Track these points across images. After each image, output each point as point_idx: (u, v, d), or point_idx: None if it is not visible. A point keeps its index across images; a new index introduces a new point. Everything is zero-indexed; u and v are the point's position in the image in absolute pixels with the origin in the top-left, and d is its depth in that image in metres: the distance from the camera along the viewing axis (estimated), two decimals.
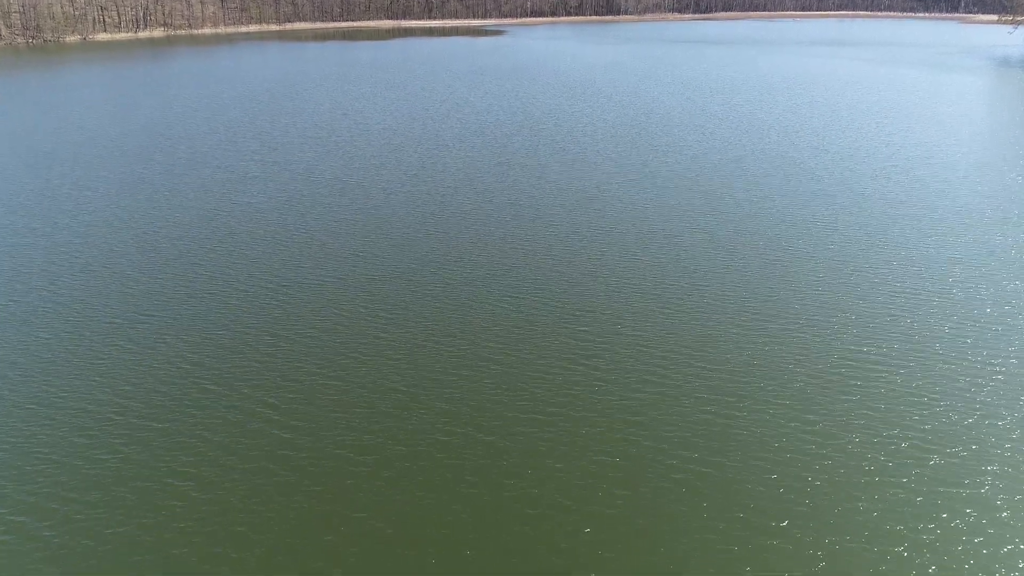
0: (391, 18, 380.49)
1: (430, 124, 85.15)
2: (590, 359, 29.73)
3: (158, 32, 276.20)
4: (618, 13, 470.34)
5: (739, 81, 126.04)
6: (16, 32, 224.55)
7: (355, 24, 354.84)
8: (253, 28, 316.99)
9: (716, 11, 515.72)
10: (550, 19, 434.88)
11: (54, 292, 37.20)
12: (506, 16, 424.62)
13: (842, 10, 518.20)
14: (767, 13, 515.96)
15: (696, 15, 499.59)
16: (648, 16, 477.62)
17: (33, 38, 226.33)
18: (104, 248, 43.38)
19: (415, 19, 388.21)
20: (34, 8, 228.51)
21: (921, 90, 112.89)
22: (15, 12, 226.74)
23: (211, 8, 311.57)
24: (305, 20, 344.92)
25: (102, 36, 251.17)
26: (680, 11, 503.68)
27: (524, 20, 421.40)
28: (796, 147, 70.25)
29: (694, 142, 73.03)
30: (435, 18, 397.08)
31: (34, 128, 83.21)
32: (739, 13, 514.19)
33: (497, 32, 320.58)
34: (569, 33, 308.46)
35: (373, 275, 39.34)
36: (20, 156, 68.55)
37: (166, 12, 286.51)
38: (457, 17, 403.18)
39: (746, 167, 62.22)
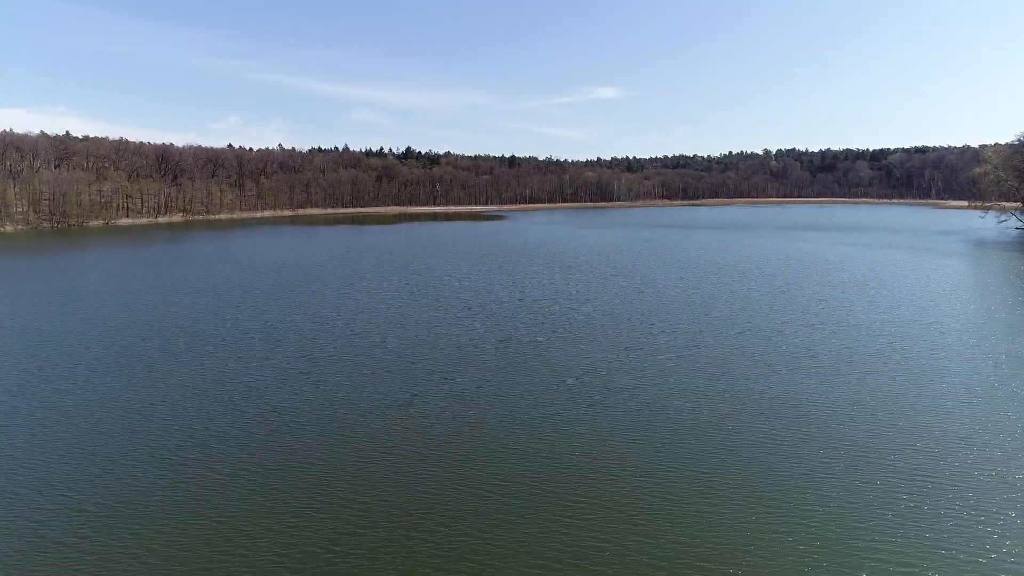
0: (398, 204, 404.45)
1: (431, 302, 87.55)
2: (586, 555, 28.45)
3: (177, 217, 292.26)
4: (611, 200, 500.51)
5: (730, 262, 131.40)
6: (43, 218, 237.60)
7: (363, 210, 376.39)
8: (267, 213, 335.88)
9: (704, 198, 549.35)
10: (547, 205, 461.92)
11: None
12: (506, 202, 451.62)
13: (822, 197, 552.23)
14: (752, 200, 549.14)
15: (685, 201, 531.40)
16: (640, 202, 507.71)
17: (58, 223, 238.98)
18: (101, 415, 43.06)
19: (420, 205, 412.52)
20: (63, 196, 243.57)
21: (907, 270, 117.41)
22: (45, 200, 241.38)
23: (229, 196, 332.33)
24: (317, 206, 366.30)
25: (124, 221, 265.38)
26: (670, 198, 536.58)
27: (523, 206, 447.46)
28: (792, 324, 71.78)
29: (690, 320, 74.69)
30: (439, 204, 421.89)
31: (35, 307, 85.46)
32: (725, 200, 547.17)
33: (498, 217, 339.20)
34: (565, 218, 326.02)
35: (362, 454, 38.69)
36: (11, 336, 69.90)
37: (186, 199, 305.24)
38: (460, 203, 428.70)
39: (743, 344, 63.25)
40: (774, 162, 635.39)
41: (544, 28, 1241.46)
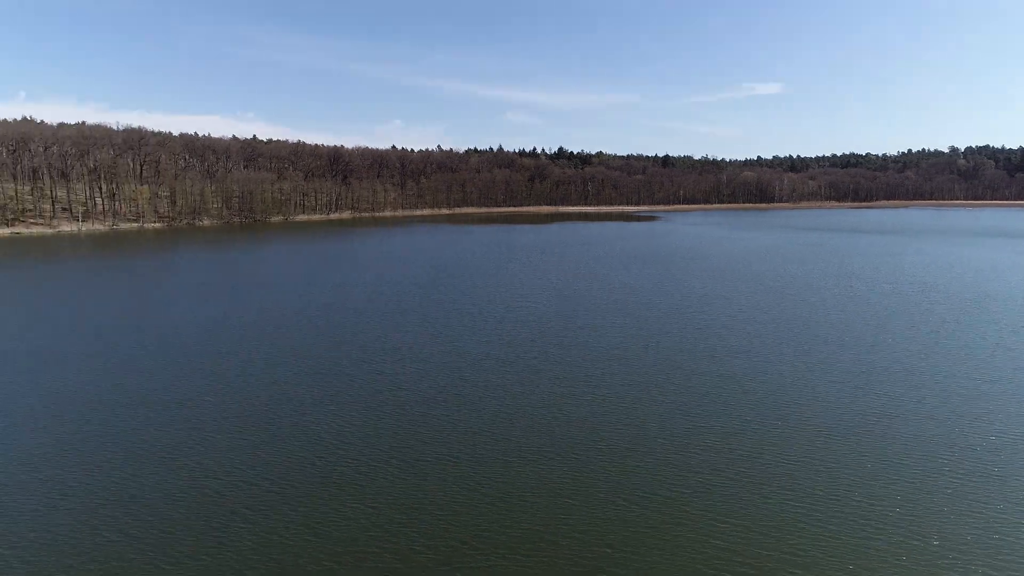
0: (550, 204, 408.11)
1: (580, 304, 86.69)
2: None
3: (346, 214, 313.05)
4: (772, 201, 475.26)
5: (915, 272, 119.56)
6: (234, 213, 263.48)
7: (517, 209, 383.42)
8: (426, 212, 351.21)
9: (877, 199, 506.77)
10: (702, 206, 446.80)
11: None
12: (658, 203, 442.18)
13: (1022, 199, 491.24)
14: (935, 202, 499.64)
15: (855, 203, 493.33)
16: (803, 204, 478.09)
17: (246, 218, 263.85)
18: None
19: (572, 205, 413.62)
20: (251, 194, 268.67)
21: None
22: (235, 197, 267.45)
23: (392, 194, 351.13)
24: (472, 205, 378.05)
25: (301, 217, 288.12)
26: (838, 199, 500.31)
27: (676, 207, 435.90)
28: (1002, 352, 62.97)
29: (870, 337, 67.54)
30: (590, 204, 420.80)
31: (227, 288, 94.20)
32: (902, 201, 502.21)
33: (650, 217, 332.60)
34: (722, 219, 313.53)
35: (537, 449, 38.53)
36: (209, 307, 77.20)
37: (354, 198, 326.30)
38: (611, 203, 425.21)
39: (939, 362, 56.77)
40: (962, 160, 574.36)
41: (700, 24, 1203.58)
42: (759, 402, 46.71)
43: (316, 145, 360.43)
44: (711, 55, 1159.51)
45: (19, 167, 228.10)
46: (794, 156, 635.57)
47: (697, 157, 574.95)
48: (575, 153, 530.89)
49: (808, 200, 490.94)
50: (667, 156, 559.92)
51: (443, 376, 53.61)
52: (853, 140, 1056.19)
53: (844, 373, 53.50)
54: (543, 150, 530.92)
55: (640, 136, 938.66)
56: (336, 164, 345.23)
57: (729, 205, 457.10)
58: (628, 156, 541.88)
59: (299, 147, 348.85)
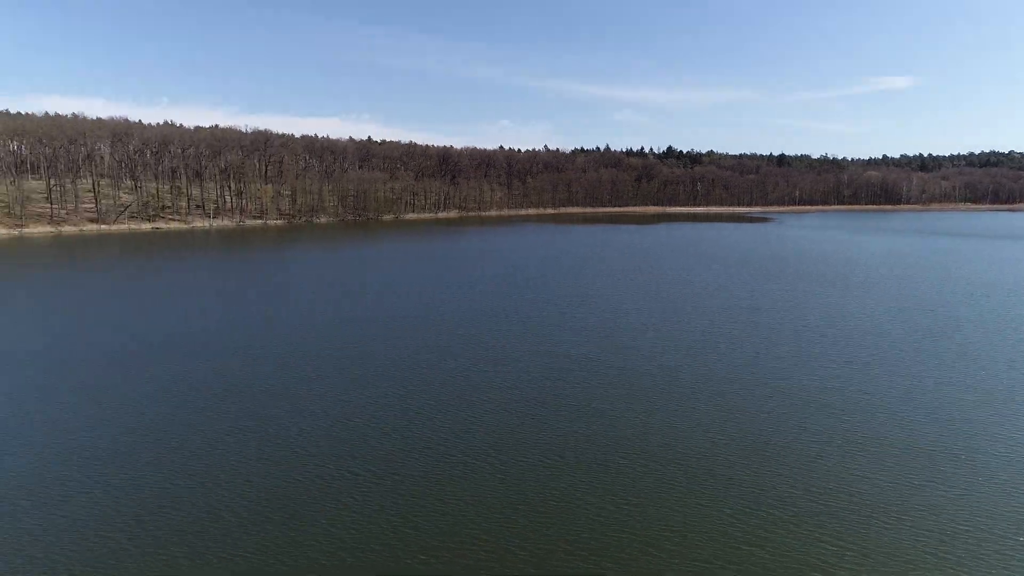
0: (656, 204, 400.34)
1: (680, 308, 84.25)
2: None
3: (453, 213, 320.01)
4: (899, 202, 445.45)
5: None
6: (349, 211, 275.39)
7: (621, 209, 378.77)
8: (531, 211, 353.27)
9: (1021, 201, 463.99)
10: (820, 207, 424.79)
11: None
12: (772, 204, 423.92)
13: None
14: None
15: (995, 205, 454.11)
16: (934, 205, 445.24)
17: (359, 216, 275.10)
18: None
19: (679, 205, 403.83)
20: (364, 193, 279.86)
21: None
22: (350, 196, 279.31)
23: (498, 194, 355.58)
24: (577, 205, 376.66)
25: (410, 216, 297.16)
26: (976, 200, 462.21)
27: (791, 208, 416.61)
28: None
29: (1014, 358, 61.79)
30: (699, 204, 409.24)
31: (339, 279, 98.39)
32: None
33: (763, 219, 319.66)
34: (842, 222, 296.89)
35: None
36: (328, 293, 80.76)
37: (461, 197, 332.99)
38: (721, 204, 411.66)
39: None
40: None
41: (823, 16, 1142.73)
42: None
43: (426, 146, 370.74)
44: (833, 48, 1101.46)
45: (160, 167, 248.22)
46: (924, 155, 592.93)
47: (815, 156, 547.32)
48: (684, 152, 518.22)
49: (940, 202, 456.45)
50: (782, 155, 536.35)
51: (553, 380, 53.66)
52: (994, 137, 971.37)
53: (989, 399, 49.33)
54: (651, 149, 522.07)
55: (754, 134, 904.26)
56: (445, 164, 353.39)
57: (850, 207, 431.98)
58: (740, 155, 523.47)
59: (411, 148, 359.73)
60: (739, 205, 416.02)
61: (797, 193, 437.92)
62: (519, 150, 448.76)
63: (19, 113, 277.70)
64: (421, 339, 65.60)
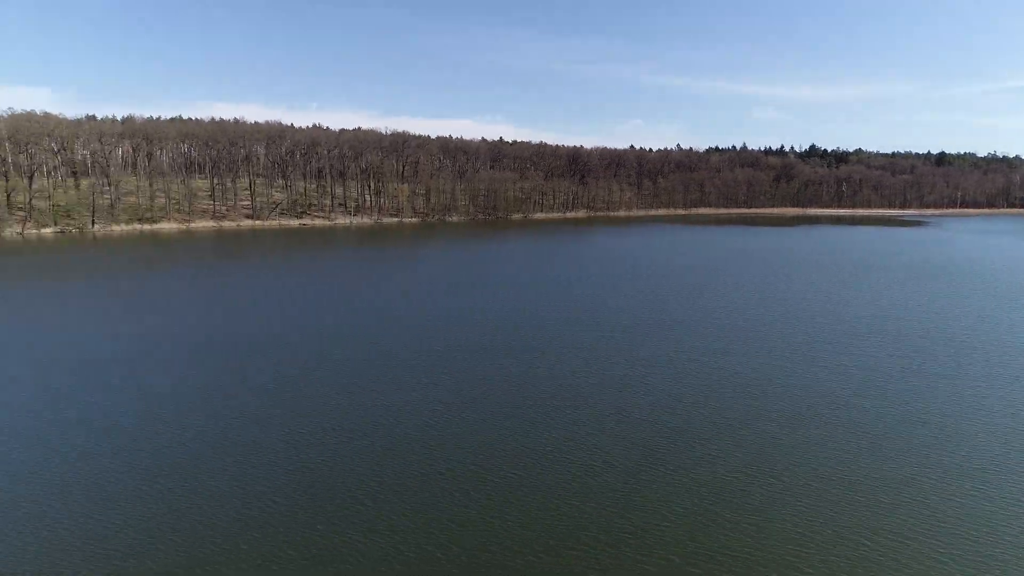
0: (796, 205, 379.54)
1: (827, 323, 78.95)
2: None
3: (581, 213, 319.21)
4: None
5: None
6: (479, 210, 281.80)
7: (757, 211, 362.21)
8: (661, 211, 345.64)
9: None
10: (986, 210, 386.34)
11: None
12: (928, 206, 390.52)
13: None
14: None
15: None
16: None
17: (489, 215, 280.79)
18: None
19: (822, 207, 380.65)
20: (495, 192, 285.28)
21: None
22: (481, 195, 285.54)
23: (628, 194, 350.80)
24: (709, 206, 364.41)
25: (539, 215, 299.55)
26: None
27: (951, 210, 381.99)
28: None
29: None
30: (844, 206, 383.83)
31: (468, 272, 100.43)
32: None
33: (917, 222, 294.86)
34: (1012, 227, 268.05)
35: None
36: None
37: (590, 197, 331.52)
38: (869, 206, 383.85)
39: None
40: None
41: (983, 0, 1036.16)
42: None
43: (556, 146, 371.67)
44: (999, 34, 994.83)
45: (308, 168, 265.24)
46: None
47: (981, 154, 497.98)
48: (828, 151, 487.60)
49: None
50: (942, 153, 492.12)
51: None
52: None
53: None
54: (791, 148, 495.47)
55: (907, 131, 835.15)
56: (575, 164, 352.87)
57: (1020, 210, 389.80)
58: (893, 154, 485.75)
59: (541, 148, 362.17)
60: (890, 207, 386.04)
61: (959, 194, 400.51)
62: (650, 149, 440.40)
63: (189, 119, 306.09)
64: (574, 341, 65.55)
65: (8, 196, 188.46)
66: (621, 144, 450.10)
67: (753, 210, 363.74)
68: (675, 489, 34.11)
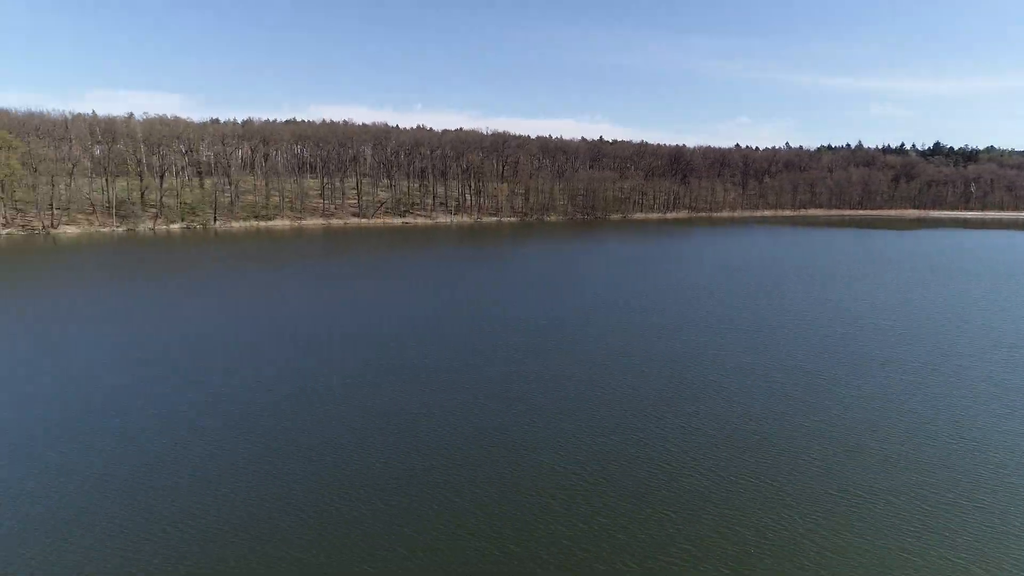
0: (916, 207, 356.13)
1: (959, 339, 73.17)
2: None
3: (682, 213, 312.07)
4: None
5: None
6: (577, 210, 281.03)
7: (872, 212, 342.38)
8: (767, 212, 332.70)
9: None
10: None
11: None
12: None
13: None
14: None
15: None
16: None
17: (587, 214, 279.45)
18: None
19: (946, 209, 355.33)
20: (594, 192, 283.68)
21: None
22: (580, 195, 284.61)
23: (731, 194, 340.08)
24: (820, 207, 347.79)
25: (638, 215, 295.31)
26: None
27: None
28: None
29: None
30: (972, 208, 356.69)
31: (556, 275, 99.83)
32: None
33: None
34: None
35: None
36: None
37: (692, 197, 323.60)
38: (1002, 208, 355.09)
39: None
40: None
41: None
42: None
43: (658, 145, 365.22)
44: None
45: (412, 168, 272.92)
46: None
47: None
48: (955, 149, 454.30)
49: None
50: None
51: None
52: None
53: None
54: (912, 145, 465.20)
55: None
56: (676, 163, 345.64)
57: None
58: None
59: (641, 147, 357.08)
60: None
61: None
62: (756, 148, 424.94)
63: (302, 121, 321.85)
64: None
65: (142, 194, 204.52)
66: (725, 142, 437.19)
67: (868, 212, 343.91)
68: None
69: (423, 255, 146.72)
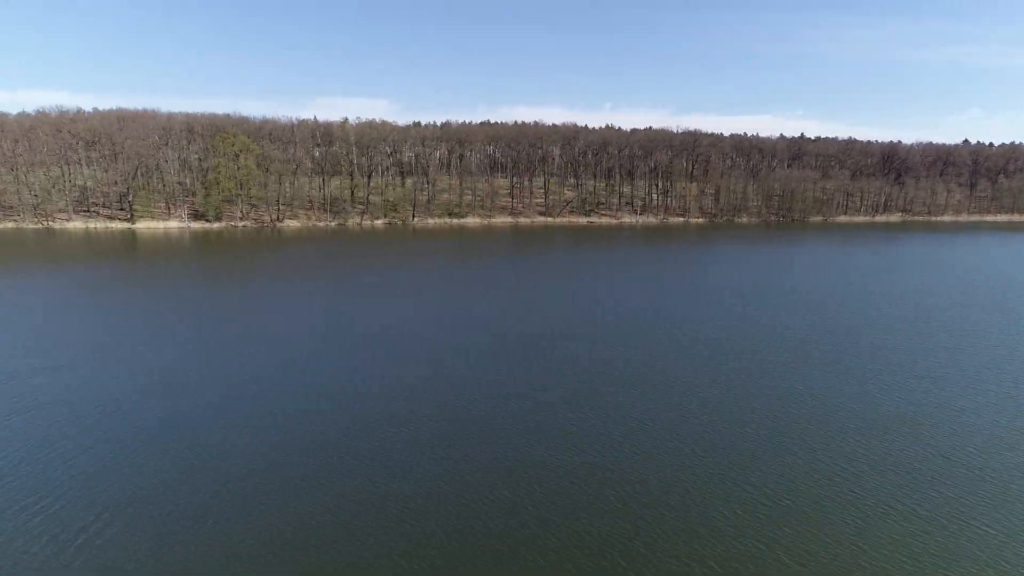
0: None
1: None
2: None
3: (894, 217, 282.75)
4: None
5: None
6: (772, 212, 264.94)
7: None
8: (1001, 218, 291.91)
9: None
10: None
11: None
12: None
13: None
14: None
15: None
16: None
17: (783, 217, 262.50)
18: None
19: None
20: (791, 193, 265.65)
21: None
22: (776, 196, 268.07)
23: (956, 196, 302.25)
24: None
25: (841, 218, 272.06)
26: None
27: None
28: None
29: None
30: None
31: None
32: None
33: None
34: None
35: None
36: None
37: (907, 199, 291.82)
38: None
39: None
40: None
41: None
42: None
43: (868, 142, 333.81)
44: None
45: (599, 167, 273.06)
46: None
47: None
48: None
49: None
50: None
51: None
52: None
53: None
54: None
55: None
56: (889, 162, 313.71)
57: None
58: None
59: (848, 144, 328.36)
60: None
61: None
62: (991, 144, 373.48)
63: (495, 123, 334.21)
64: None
65: (352, 192, 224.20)
66: (950, 138, 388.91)
67: None
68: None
69: (631, 255, 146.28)
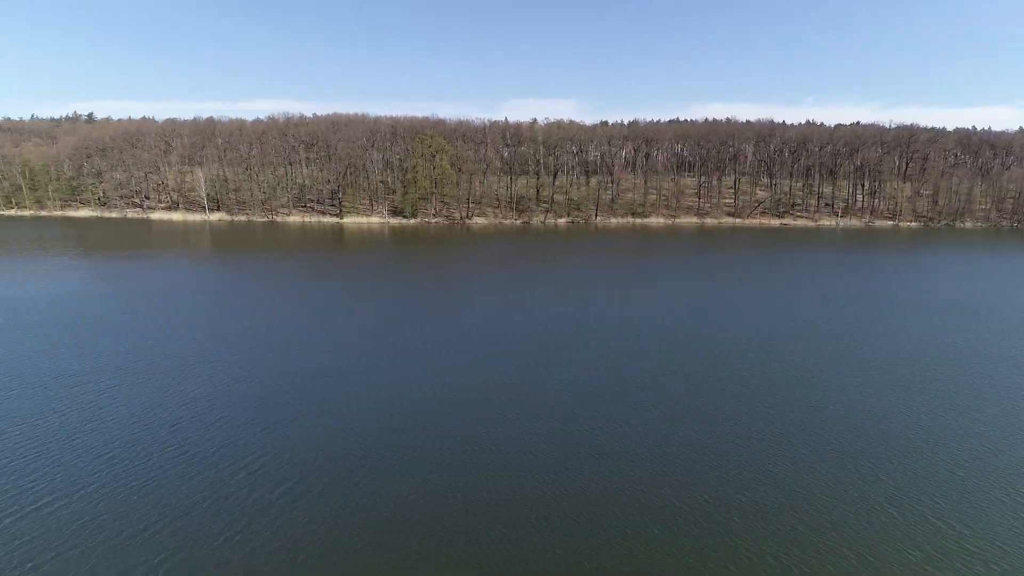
0: None
1: None
2: None
3: None
4: None
5: None
6: (1003, 216, 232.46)
7: None
8: None
9: None
10: None
11: None
12: None
13: None
14: None
15: None
16: None
17: (1018, 222, 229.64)
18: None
19: None
20: None
21: None
22: (1009, 198, 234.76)
23: None
24: None
25: None
26: None
27: None
28: None
29: None
30: None
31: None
32: None
33: None
34: None
35: None
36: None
37: None
38: None
39: None
40: None
41: None
42: None
43: None
44: None
45: (796, 166, 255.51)
46: None
47: None
48: None
49: None
50: None
51: None
52: None
53: None
54: None
55: None
56: None
57: None
58: None
59: None
60: None
61: None
62: None
63: (685, 120, 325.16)
64: None
65: (537, 191, 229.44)
66: None
67: None
68: None
69: (836, 260, 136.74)
